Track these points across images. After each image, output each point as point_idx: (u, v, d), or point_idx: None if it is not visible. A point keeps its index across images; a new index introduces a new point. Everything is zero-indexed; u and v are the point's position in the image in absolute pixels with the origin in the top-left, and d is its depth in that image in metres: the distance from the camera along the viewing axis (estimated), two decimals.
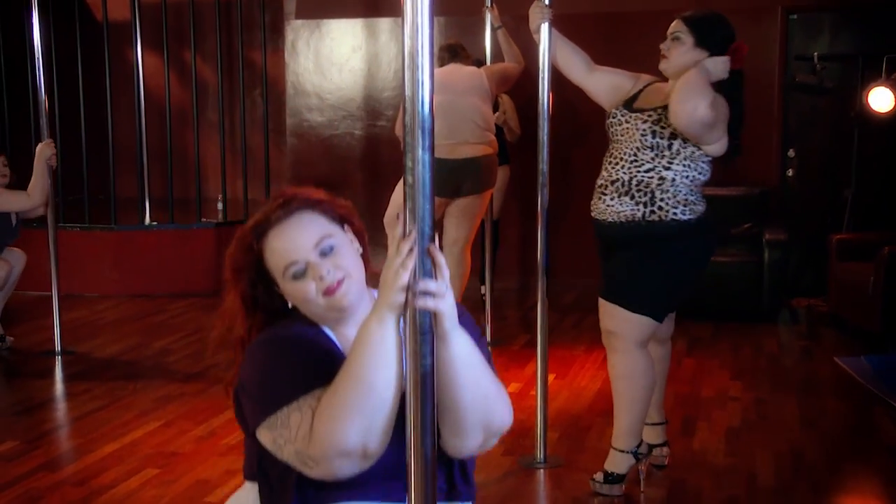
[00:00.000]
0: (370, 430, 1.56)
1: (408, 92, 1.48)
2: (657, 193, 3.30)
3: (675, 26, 3.36)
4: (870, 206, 6.61)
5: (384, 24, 7.71)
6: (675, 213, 3.31)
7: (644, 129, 3.32)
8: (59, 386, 5.12)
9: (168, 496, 3.51)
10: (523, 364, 5.16)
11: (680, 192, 3.32)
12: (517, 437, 4.07)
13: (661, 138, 3.29)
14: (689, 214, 3.33)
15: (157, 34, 7.92)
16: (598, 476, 3.51)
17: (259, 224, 1.78)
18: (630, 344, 3.39)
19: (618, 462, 3.48)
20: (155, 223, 7.56)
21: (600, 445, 3.94)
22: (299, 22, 7.88)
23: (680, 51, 3.33)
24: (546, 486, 3.64)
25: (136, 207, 7.80)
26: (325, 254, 1.74)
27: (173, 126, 7.76)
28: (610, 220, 3.38)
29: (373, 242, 7.33)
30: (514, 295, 7.09)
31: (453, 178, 5.19)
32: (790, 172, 6.87)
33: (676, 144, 3.29)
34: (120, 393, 4.77)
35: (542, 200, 3.78)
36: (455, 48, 5.55)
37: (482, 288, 6.23)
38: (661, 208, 3.31)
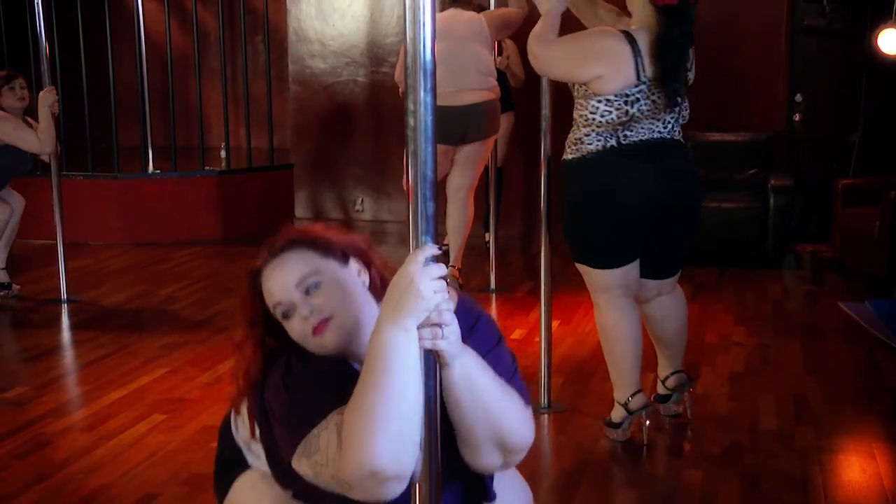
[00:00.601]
0: (402, 445, 1.49)
1: (409, 33, 1.46)
2: (570, 136, 3.34)
3: None
4: (877, 151, 6.56)
5: None
6: (565, 155, 3.35)
7: None
8: (65, 333, 5.15)
9: (175, 441, 3.55)
10: (527, 310, 5.17)
11: (577, 132, 3.30)
12: None
13: None
14: (573, 154, 3.31)
15: None
16: (607, 419, 3.55)
17: (256, 268, 1.78)
18: (595, 295, 3.45)
19: (614, 411, 3.52)
20: (158, 171, 7.55)
21: (604, 390, 3.96)
22: None
23: None
24: (550, 430, 3.67)
25: (139, 155, 7.78)
26: (309, 292, 1.70)
27: (175, 73, 7.70)
28: None
29: (379, 192, 7.27)
30: (518, 242, 7.09)
31: (457, 125, 5.15)
32: (797, 117, 6.80)
33: (577, 84, 3.28)
34: (126, 340, 4.80)
35: (544, 147, 3.76)
36: None
37: (486, 235, 6.23)
38: (565, 149, 3.36)
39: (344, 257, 1.77)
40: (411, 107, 1.48)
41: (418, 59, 1.47)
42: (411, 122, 1.49)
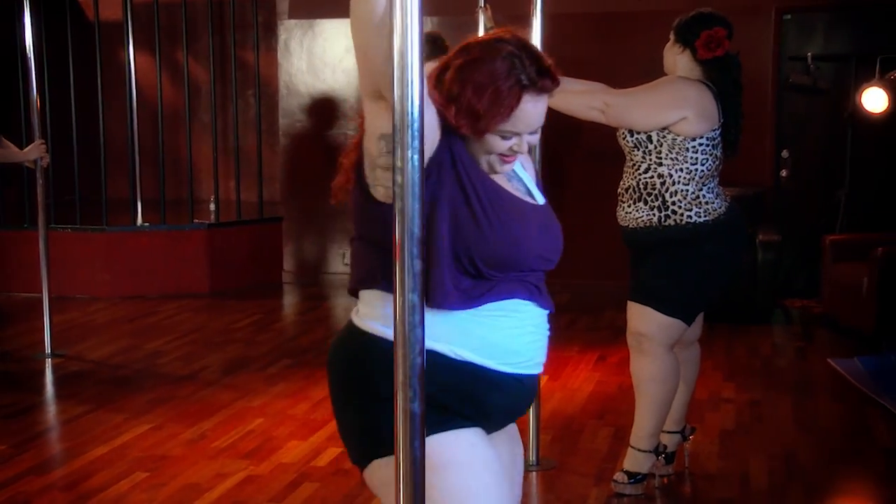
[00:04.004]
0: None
1: (396, 92, 1.47)
2: (667, 196, 3.28)
3: None
4: (863, 207, 6.61)
5: None
6: (689, 216, 3.29)
7: (622, 131, 3.36)
8: (48, 389, 5.08)
9: (158, 500, 3.48)
10: None
11: (688, 191, 3.28)
12: None
13: (640, 133, 3.30)
14: (705, 216, 3.30)
15: (149, 34, 7.88)
16: (620, 476, 3.48)
17: (532, 77, 1.85)
18: (660, 347, 3.38)
19: (641, 462, 3.45)
20: (147, 224, 7.52)
21: (593, 447, 3.92)
22: (292, 22, 7.85)
23: (666, 47, 3.43)
24: (539, 488, 3.62)
25: (128, 208, 7.76)
26: (531, 134, 1.93)
27: (165, 126, 7.71)
28: (631, 226, 3.40)
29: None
30: None
31: None
32: (784, 173, 6.85)
33: (655, 136, 3.28)
34: (110, 395, 4.74)
35: None
36: (436, 39, 5.38)
37: None
38: (674, 212, 3.29)
39: None
40: (398, 164, 1.48)
41: (406, 118, 1.46)
42: (398, 179, 1.48)
